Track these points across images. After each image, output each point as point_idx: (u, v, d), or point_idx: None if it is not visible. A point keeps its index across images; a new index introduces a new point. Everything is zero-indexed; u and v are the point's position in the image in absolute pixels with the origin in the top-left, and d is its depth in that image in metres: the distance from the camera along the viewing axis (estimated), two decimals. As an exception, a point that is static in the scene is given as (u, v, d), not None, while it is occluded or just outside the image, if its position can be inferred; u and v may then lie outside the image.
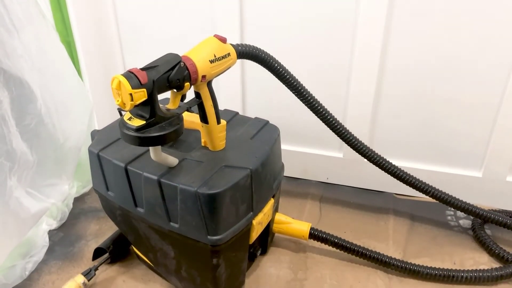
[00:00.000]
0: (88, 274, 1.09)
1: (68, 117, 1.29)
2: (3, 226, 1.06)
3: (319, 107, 1.09)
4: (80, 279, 1.08)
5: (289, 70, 1.03)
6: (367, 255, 1.13)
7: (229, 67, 0.95)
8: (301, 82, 1.06)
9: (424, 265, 1.11)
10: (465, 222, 1.31)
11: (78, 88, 1.35)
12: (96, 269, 1.12)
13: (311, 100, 1.08)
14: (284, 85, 1.05)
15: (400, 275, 1.13)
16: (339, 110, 1.32)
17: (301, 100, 1.08)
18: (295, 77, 1.05)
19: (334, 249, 1.17)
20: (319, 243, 1.18)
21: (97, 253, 1.18)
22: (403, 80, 1.25)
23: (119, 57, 1.50)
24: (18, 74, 1.09)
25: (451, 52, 1.18)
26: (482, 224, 1.26)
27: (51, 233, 1.27)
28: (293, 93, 1.07)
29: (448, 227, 1.30)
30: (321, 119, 1.11)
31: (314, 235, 1.16)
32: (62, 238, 1.27)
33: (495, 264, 1.16)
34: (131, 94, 0.77)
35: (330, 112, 1.11)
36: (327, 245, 1.17)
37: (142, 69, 0.80)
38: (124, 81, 0.76)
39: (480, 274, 1.09)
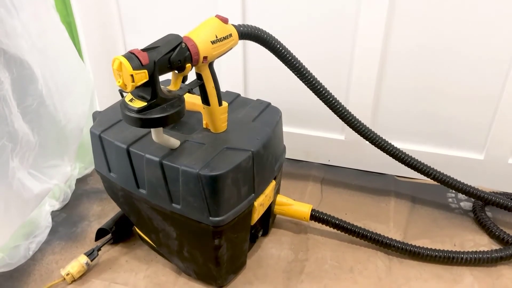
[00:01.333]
0: (91, 254, 1.10)
1: (70, 98, 1.28)
2: (6, 207, 1.06)
3: (321, 89, 1.08)
4: (83, 259, 1.09)
5: (291, 52, 1.02)
6: (367, 236, 1.13)
7: (231, 48, 0.94)
8: (303, 64, 1.05)
9: (425, 246, 1.12)
10: (466, 204, 1.31)
11: (79, 69, 1.34)
12: (99, 249, 1.13)
13: (313, 82, 1.07)
14: (286, 67, 1.05)
15: (401, 256, 1.14)
16: (342, 93, 1.31)
17: (303, 82, 1.08)
18: (297, 58, 1.04)
19: (335, 230, 1.18)
20: (320, 224, 1.18)
21: (100, 234, 1.19)
22: (405, 63, 1.24)
23: (120, 38, 1.49)
24: (18, 54, 1.08)
25: (454, 35, 1.17)
26: (483, 206, 1.26)
27: (54, 214, 1.28)
28: (295, 74, 1.06)
29: (449, 209, 1.30)
30: (323, 101, 1.11)
31: (315, 216, 1.16)
32: (65, 219, 1.28)
33: (495, 246, 1.17)
34: (132, 75, 0.76)
35: (332, 93, 1.10)
36: (328, 227, 1.17)
37: (143, 50, 0.80)
38: (125, 62, 0.76)
39: (480, 255, 1.09)
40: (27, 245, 1.15)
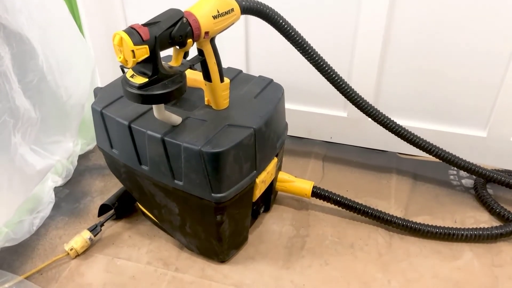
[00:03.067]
0: (94, 229, 1.12)
1: (71, 74, 1.27)
2: (9, 183, 1.07)
3: (324, 66, 1.07)
4: (87, 234, 1.10)
5: (294, 27, 1.01)
6: (368, 213, 1.14)
7: (233, 23, 0.93)
8: (306, 39, 1.04)
9: (425, 223, 1.13)
10: (468, 181, 1.32)
11: (80, 45, 1.33)
12: (102, 225, 1.14)
13: (317, 58, 1.06)
14: (289, 43, 1.03)
15: (401, 232, 1.15)
16: (344, 69, 1.30)
17: (306, 58, 1.06)
18: (300, 34, 1.02)
19: (336, 207, 1.18)
20: (321, 201, 1.19)
21: (103, 209, 1.19)
22: (408, 39, 1.22)
23: (120, 13, 1.47)
24: (18, 30, 1.07)
25: (458, 9, 1.15)
26: (484, 183, 1.27)
27: (56, 189, 1.29)
28: (298, 51, 1.05)
29: (450, 186, 1.30)
30: (326, 78, 1.10)
31: (317, 193, 1.17)
32: (68, 195, 1.29)
33: (496, 223, 1.17)
34: (133, 51, 0.75)
35: (335, 70, 1.09)
36: (329, 203, 1.18)
37: (144, 25, 0.79)
38: (126, 37, 0.75)
39: (480, 232, 1.10)
40: (31, 220, 1.16)
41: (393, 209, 1.22)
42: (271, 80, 1.12)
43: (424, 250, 1.10)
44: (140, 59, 0.77)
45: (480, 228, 1.12)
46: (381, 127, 1.17)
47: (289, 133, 1.18)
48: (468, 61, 1.21)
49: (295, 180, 1.18)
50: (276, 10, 0.98)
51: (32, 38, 1.12)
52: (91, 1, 1.42)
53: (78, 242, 1.09)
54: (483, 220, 1.19)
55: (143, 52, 0.77)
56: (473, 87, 1.25)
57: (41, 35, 1.15)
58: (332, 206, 1.19)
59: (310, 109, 1.44)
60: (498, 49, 1.17)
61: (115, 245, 1.13)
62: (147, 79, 0.81)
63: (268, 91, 1.08)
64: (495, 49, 1.17)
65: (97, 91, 1.07)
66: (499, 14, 1.12)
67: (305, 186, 1.17)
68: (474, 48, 1.19)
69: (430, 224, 1.13)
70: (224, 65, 1.00)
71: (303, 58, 1.07)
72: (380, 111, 1.16)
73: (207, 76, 0.95)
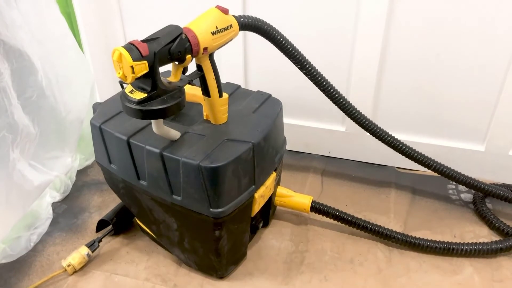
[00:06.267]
0: (92, 245, 1.11)
1: (70, 90, 1.28)
2: (7, 198, 1.06)
3: (322, 81, 1.08)
4: (84, 250, 1.09)
5: (292, 42, 1.02)
6: (368, 228, 1.14)
7: (231, 39, 0.93)
8: (304, 55, 1.04)
9: (425, 238, 1.12)
10: (466, 196, 1.32)
11: (79, 60, 1.34)
12: (100, 240, 1.13)
13: (314, 73, 1.07)
14: (287, 58, 1.04)
15: (401, 247, 1.14)
16: (342, 84, 1.31)
17: (304, 73, 1.07)
18: (298, 50, 1.03)
19: (335, 222, 1.18)
20: (320, 216, 1.19)
21: (101, 225, 1.19)
22: (406, 53, 1.24)
23: (119, 29, 1.48)
24: (18, 45, 1.08)
25: (456, 23, 1.16)
26: (483, 198, 1.26)
27: (54, 205, 1.28)
28: (296, 66, 1.06)
29: (449, 201, 1.30)
30: (324, 93, 1.10)
31: (316, 208, 1.16)
32: (66, 210, 1.29)
33: (495, 237, 1.17)
34: (132, 67, 0.76)
35: (333, 85, 1.10)
36: (328, 218, 1.18)
37: (143, 41, 0.79)
38: (125, 53, 0.76)
39: (480, 247, 1.10)
40: (28, 236, 1.15)
41: (392, 224, 1.22)
42: (270, 95, 1.13)
43: (424, 265, 1.10)
44: (139, 75, 0.78)
45: (480, 242, 1.11)
46: (380, 141, 1.18)
47: (288, 147, 1.18)
48: (465, 77, 1.22)
49: (294, 194, 1.18)
50: (273, 24, 0.99)
51: (32, 54, 1.12)
52: (91, 17, 1.43)
53: (76, 258, 1.08)
54: (483, 234, 1.18)
55: (142, 67, 0.77)
56: (470, 102, 1.26)
57: (41, 51, 1.16)
58: (331, 221, 1.18)
59: (309, 123, 1.45)
60: (495, 63, 1.18)
61: (113, 261, 1.12)
62: (146, 95, 0.81)
63: (267, 106, 1.09)
64: (492, 64, 1.18)
65: (96, 107, 1.08)
66: (494, 34, 1.14)
67: (304, 201, 1.17)
68: (471, 65, 1.20)
69: (429, 238, 1.12)
70: (223, 80, 1.01)
71: (301, 73, 1.07)
72: (378, 126, 1.16)
73: (206, 91, 0.95)
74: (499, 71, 1.19)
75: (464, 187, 1.28)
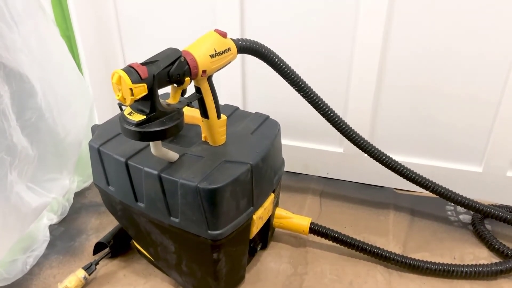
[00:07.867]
0: (89, 268, 1.10)
1: (69, 112, 1.29)
2: (4, 221, 1.06)
3: (319, 102, 1.09)
4: (81, 273, 1.08)
5: (289, 65, 1.03)
6: (367, 249, 1.13)
7: (230, 62, 0.95)
8: (301, 77, 1.05)
9: (424, 259, 1.12)
10: (465, 217, 1.31)
11: (78, 83, 1.35)
12: (97, 263, 1.12)
13: (312, 95, 1.08)
14: (284, 80, 1.05)
15: (400, 270, 1.13)
16: (340, 106, 1.32)
17: (302, 95, 1.08)
18: (295, 72, 1.04)
19: (334, 244, 1.17)
20: (319, 237, 1.18)
21: (98, 247, 1.18)
22: (403, 75, 1.25)
23: (119, 52, 1.50)
24: (18, 68, 1.09)
25: (451, 45, 1.17)
26: (482, 219, 1.26)
27: (52, 227, 1.27)
28: (294, 88, 1.07)
29: (448, 222, 1.30)
30: (321, 114, 1.11)
31: (315, 229, 1.16)
32: (63, 233, 1.28)
33: (495, 259, 1.16)
34: (131, 89, 0.77)
35: (331, 107, 1.11)
36: (327, 240, 1.17)
37: (143, 63, 0.80)
38: (125, 75, 0.76)
39: (480, 269, 1.09)
40: (25, 259, 1.14)
41: (391, 246, 1.21)
42: (268, 117, 1.13)
43: (423, 287, 1.09)
44: (138, 97, 0.78)
45: (480, 264, 1.11)
46: (378, 162, 1.18)
47: (286, 168, 1.18)
48: (462, 99, 1.23)
49: (293, 216, 1.18)
50: (271, 47, 1.00)
51: (32, 76, 1.13)
52: (91, 40, 1.45)
53: (73, 282, 1.07)
54: (483, 256, 1.18)
55: (141, 90, 0.78)
56: (467, 123, 1.26)
57: (40, 73, 1.17)
58: (330, 242, 1.18)
59: (307, 145, 1.45)
60: (492, 84, 1.19)
61: (110, 284, 1.11)
62: (145, 116, 0.82)
63: (265, 127, 1.09)
64: (489, 84, 1.19)
65: (94, 128, 1.08)
66: (491, 55, 1.15)
67: (302, 222, 1.16)
68: (467, 86, 1.21)
69: (429, 260, 1.11)
70: (221, 101, 1.02)
71: (299, 95, 1.08)
72: (376, 147, 1.17)
73: (204, 113, 0.96)
74: (496, 92, 1.20)
75: (462, 208, 1.27)
